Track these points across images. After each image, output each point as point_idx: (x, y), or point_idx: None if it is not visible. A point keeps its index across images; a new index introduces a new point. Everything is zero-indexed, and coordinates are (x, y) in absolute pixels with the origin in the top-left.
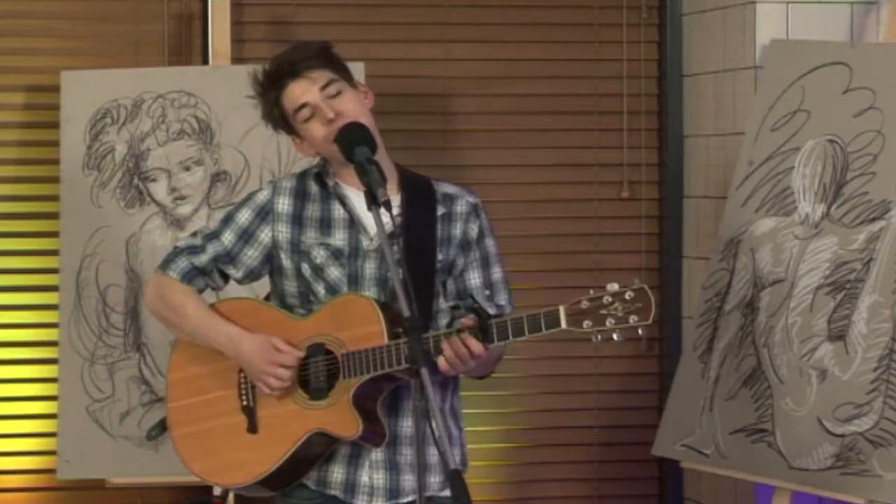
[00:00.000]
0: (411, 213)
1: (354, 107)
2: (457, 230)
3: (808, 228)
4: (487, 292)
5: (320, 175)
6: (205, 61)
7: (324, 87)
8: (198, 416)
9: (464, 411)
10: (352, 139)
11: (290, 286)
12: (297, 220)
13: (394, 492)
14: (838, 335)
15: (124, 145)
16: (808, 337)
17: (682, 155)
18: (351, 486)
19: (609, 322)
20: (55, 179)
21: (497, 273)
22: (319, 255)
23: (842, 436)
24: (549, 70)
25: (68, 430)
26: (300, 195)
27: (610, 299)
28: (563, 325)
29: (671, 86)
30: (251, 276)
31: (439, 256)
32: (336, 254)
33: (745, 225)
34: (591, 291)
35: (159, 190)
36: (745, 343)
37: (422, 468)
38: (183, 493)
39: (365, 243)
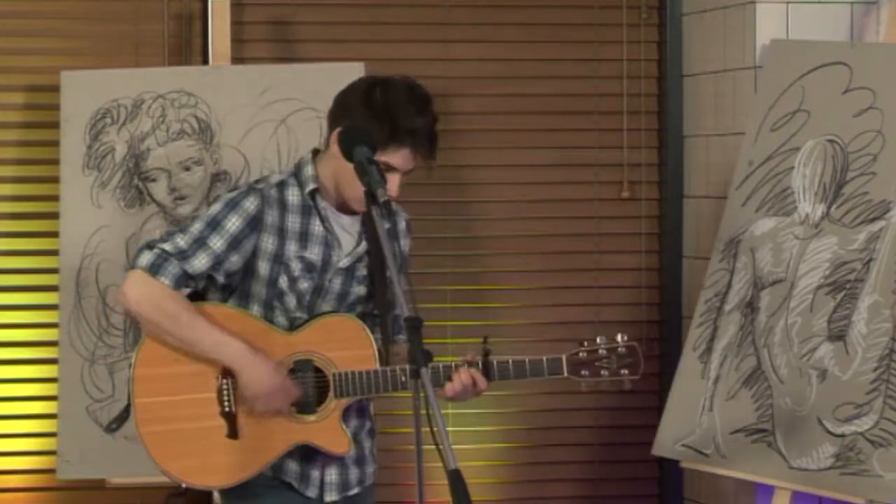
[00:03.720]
0: (369, 230)
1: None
2: (399, 246)
3: (808, 228)
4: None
5: (314, 193)
6: (205, 61)
7: (410, 171)
8: (170, 416)
9: (464, 411)
10: (353, 139)
11: (260, 290)
12: (281, 232)
13: (343, 485)
14: (838, 335)
15: (124, 145)
16: (808, 337)
17: (682, 155)
18: (305, 478)
19: (603, 373)
20: (55, 179)
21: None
22: (297, 268)
23: (842, 436)
24: (549, 70)
25: (68, 430)
26: (282, 206)
27: (605, 352)
28: (566, 373)
29: (671, 86)
30: (229, 279)
31: (388, 273)
32: (309, 267)
33: (745, 225)
34: (585, 343)
35: (159, 190)
36: (745, 343)
37: (421, 469)
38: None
39: (335, 259)
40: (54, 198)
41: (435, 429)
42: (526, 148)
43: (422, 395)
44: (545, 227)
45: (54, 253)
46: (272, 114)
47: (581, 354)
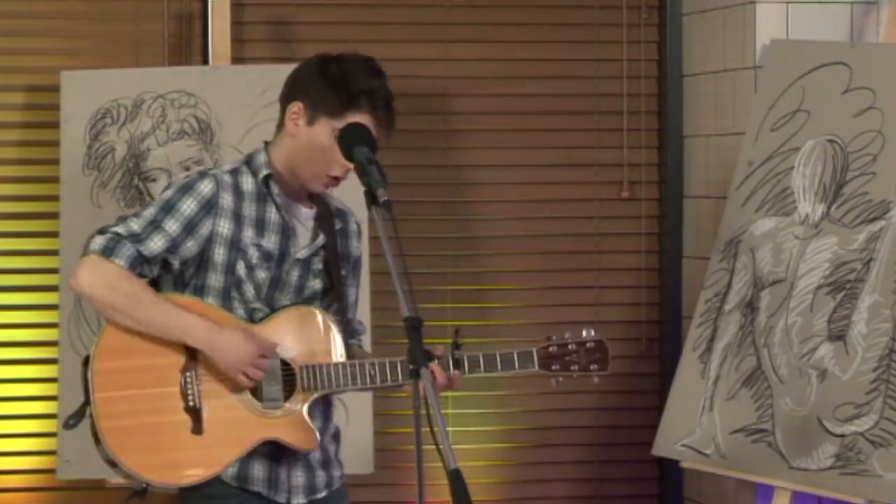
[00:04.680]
0: (323, 226)
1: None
2: (351, 247)
3: (808, 228)
4: (356, 309)
5: (267, 179)
6: (205, 61)
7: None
8: (131, 410)
9: (464, 411)
10: (353, 139)
11: (216, 280)
12: (238, 218)
13: (310, 488)
14: (838, 335)
15: (124, 145)
16: (808, 337)
17: (682, 155)
18: (274, 483)
19: (573, 368)
20: (55, 179)
21: (358, 292)
22: (254, 256)
23: (842, 436)
24: (549, 70)
25: (69, 430)
26: (237, 192)
27: (574, 347)
28: (536, 366)
29: (671, 86)
30: (184, 266)
31: (342, 272)
32: (266, 256)
33: (745, 225)
34: (554, 337)
35: (159, 190)
36: (745, 343)
37: (421, 469)
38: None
39: (293, 250)
40: (54, 198)
41: (435, 429)
42: (526, 148)
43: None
44: (545, 227)
45: (54, 253)
46: (272, 114)
47: (551, 349)
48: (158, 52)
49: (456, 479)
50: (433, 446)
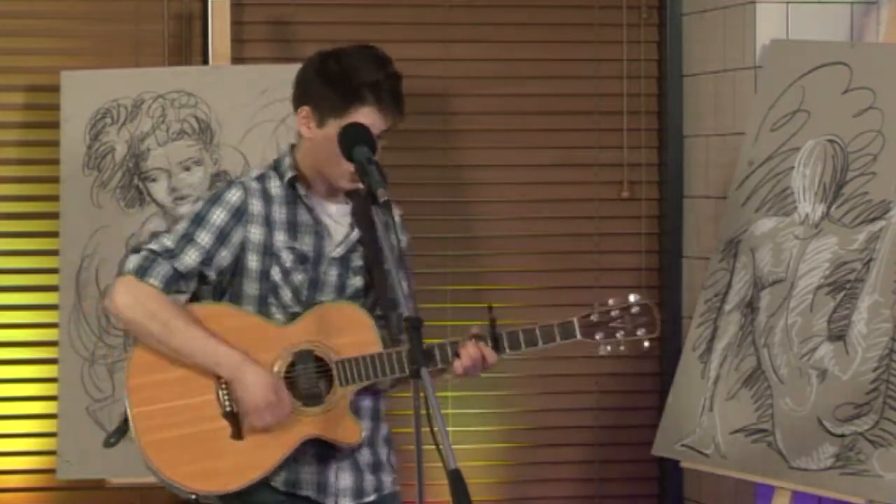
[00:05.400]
0: (361, 221)
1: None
2: (394, 240)
3: (808, 228)
4: (411, 301)
5: (293, 181)
6: (205, 61)
7: (384, 132)
8: (170, 422)
9: (464, 411)
10: (353, 139)
11: (251, 288)
12: (268, 223)
13: (358, 492)
14: (838, 335)
15: (124, 145)
16: (808, 337)
17: (682, 155)
18: (323, 486)
19: (619, 335)
20: (55, 179)
21: (413, 284)
22: (288, 259)
23: (842, 436)
24: (549, 70)
25: (68, 430)
26: (266, 197)
27: (618, 313)
28: (579, 335)
29: (671, 86)
30: (221, 276)
31: (385, 266)
32: (301, 258)
33: (745, 225)
34: (596, 305)
35: (159, 190)
36: (745, 343)
37: (421, 469)
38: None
39: (328, 249)
40: (54, 198)
41: (435, 429)
42: (526, 148)
43: (422, 395)
44: (545, 227)
45: (54, 253)
46: (272, 114)
47: (593, 317)
48: (158, 52)
49: (456, 479)
50: (433, 446)
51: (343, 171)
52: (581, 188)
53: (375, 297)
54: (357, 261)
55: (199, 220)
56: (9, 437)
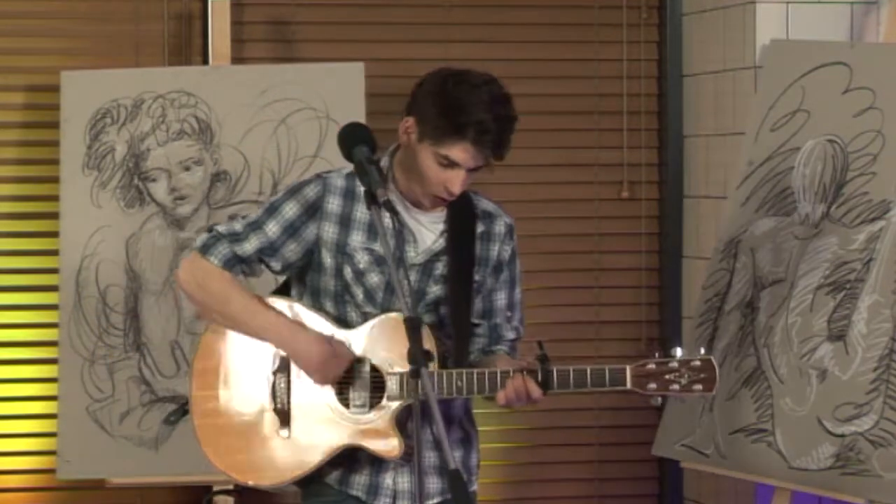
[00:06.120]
0: (455, 229)
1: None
2: (493, 251)
3: (808, 228)
4: (509, 313)
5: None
6: (205, 61)
7: (475, 169)
8: (224, 409)
9: None
10: (353, 139)
11: (328, 283)
12: (346, 222)
13: (420, 494)
14: (838, 335)
15: (124, 145)
16: (808, 337)
17: (682, 155)
18: (374, 489)
19: (673, 388)
20: (55, 179)
21: (518, 294)
22: (363, 260)
23: (842, 436)
24: (549, 70)
25: (68, 430)
26: (349, 195)
27: (676, 365)
28: (629, 385)
29: (671, 86)
30: (288, 269)
31: (476, 277)
32: (379, 260)
33: (745, 225)
34: (657, 355)
35: (159, 190)
36: (745, 343)
37: (421, 469)
38: (182, 494)
39: (410, 255)
40: (54, 198)
41: (435, 429)
42: (526, 148)
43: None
44: (545, 227)
45: (54, 253)
46: (272, 114)
47: (649, 366)
48: (158, 52)
49: (456, 479)
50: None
51: (426, 191)
52: (581, 188)
53: (455, 306)
54: (440, 269)
55: (272, 209)
56: (9, 437)
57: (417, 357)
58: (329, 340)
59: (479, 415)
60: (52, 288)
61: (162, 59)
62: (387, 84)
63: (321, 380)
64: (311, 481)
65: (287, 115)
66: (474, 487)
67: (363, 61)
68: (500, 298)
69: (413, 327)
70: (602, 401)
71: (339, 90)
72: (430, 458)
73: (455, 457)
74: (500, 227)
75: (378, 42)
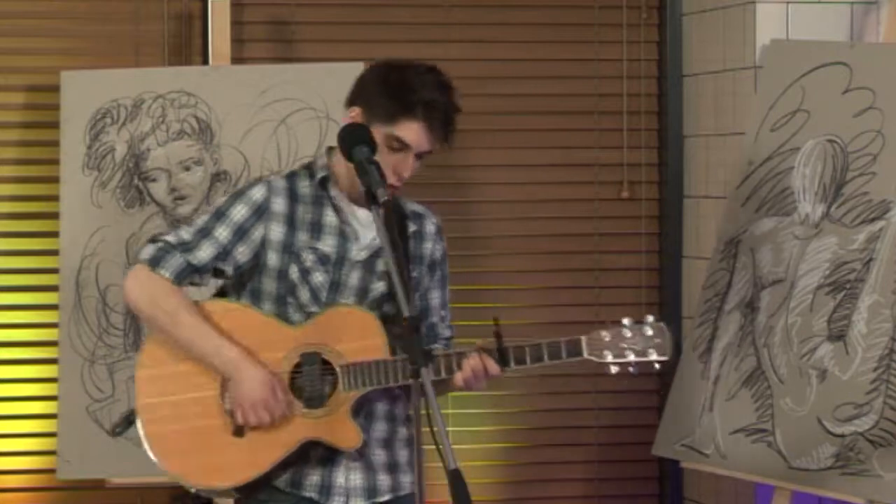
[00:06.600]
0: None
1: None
2: (427, 249)
3: (808, 228)
4: (443, 313)
5: (324, 180)
6: (205, 61)
7: (425, 153)
8: (174, 415)
9: (464, 411)
10: (353, 138)
11: (270, 286)
12: (290, 221)
13: (371, 491)
14: (838, 335)
15: (124, 145)
16: (808, 337)
17: (682, 155)
18: (326, 489)
19: (629, 355)
20: (55, 179)
21: (448, 295)
22: (309, 259)
23: (842, 436)
24: (549, 70)
25: (68, 430)
26: (292, 196)
27: (629, 333)
28: (585, 354)
29: (671, 86)
30: (238, 272)
31: (413, 273)
32: (323, 259)
33: (745, 225)
34: (608, 323)
35: (159, 190)
36: (745, 343)
37: (421, 469)
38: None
39: (353, 252)
40: (54, 198)
41: (435, 429)
42: (526, 148)
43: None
44: (545, 227)
45: (54, 253)
46: (272, 114)
47: (603, 335)
48: (158, 52)
49: (456, 479)
50: (433, 446)
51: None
52: (581, 188)
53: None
54: (381, 266)
55: (219, 214)
56: (9, 437)
57: (417, 357)
58: (271, 383)
59: (480, 414)
60: (52, 288)
61: (162, 59)
62: None
63: (251, 418)
64: (259, 488)
65: (287, 115)
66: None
67: (363, 61)
68: (435, 297)
69: (413, 327)
70: (602, 401)
71: (339, 90)
72: (379, 455)
73: (401, 456)
74: (430, 226)
75: (378, 42)
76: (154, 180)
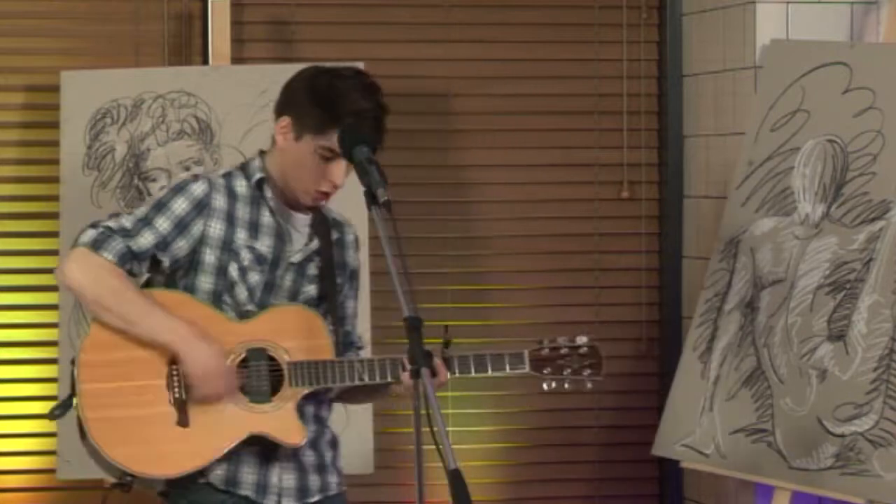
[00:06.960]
0: (319, 233)
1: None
2: (348, 258)
3: (808, 228)
4: (355, 322)
5: (261, 182)
6: (205, 61)
7: None
8: (118, 402)
9: (463, 411)
10: (353, 139)
11: (206, 283)
12: (230, 219)
13: (302, 492)
14: (838, 335)
15: (124, 145)
16: (808, 337)
17: (682, 155)
18: (262, 487)
19: (566, 372)
20: (55, 179)
21: (358, 306)
22: (247, 258)
23: (842, 436)
24: (549, 70)
25: (68, 430)
26: (231, 194)
27: (567, 351)
28: (528, 368)
29: (671, 86)
30: (175, 266)
31: (339, 280)
32: (259, 259)
33: (745, 225)
34: (546, 341)
35: (159, 190)
36: (745, 343)
37: (421, 470)
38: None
39: (287, 253)
40: (54, 198)
41: (435, 429)
42: (526, 148)
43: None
44: (545, 227)
45: (54, 253)
46: (272, 114)
47: (544, 351)
48: (158, 52)
49: (456, 479)
50: (433, 446)
51: (308, 188)
52: (581, 188)
53: (327, 307)
54: (313, 269)
55: (160, 206)
56: (9, 437)
57: (418, 357)
58: (222, 355)
59: (479, 414)
60: (52, 288)
61: (162, 59)
62: (387, 84)
63: (203, 392)
64: (191, 488)
65: None
66: (344, 488)
67: (363, 61)
68: (350, 307)
69: (413, 327)
70: (602, 401)
71: None
72: (309, 456)
73: (327, 457)
74: (350, 236)
75: (378, 42)
76: (154, 180)
